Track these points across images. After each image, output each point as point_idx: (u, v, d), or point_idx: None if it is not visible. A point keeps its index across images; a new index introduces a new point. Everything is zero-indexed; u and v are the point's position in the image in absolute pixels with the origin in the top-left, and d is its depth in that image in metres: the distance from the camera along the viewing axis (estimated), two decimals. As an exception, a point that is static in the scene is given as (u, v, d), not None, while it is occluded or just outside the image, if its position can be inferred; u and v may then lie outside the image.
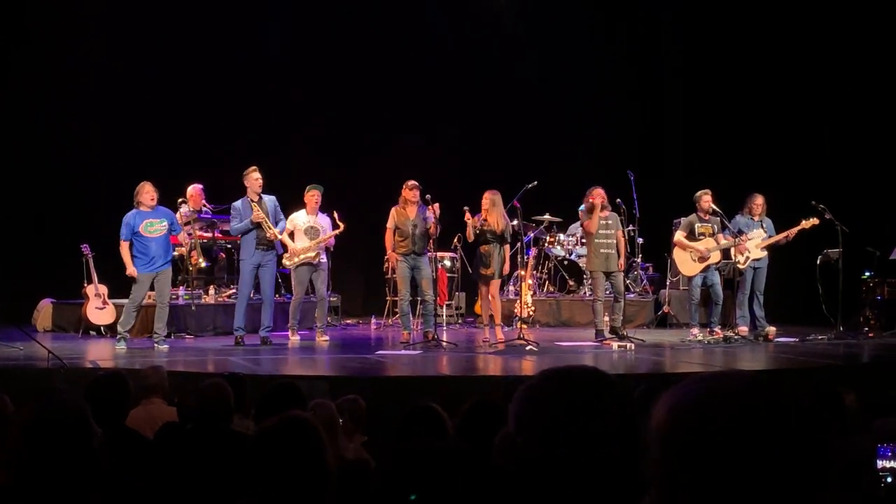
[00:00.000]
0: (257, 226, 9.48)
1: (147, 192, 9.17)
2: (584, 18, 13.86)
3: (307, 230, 9.97)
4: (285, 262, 10.15)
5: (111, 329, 10.32)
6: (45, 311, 11.14)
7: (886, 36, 11.83)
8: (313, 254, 9.92)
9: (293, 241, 10.01)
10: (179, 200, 10.63)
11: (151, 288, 9.41)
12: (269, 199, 9.72)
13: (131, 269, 9.13)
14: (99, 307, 10.38)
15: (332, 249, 10.36)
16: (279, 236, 9.58)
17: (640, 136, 13.88)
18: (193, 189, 11.27)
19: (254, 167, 9.65)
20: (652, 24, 13.68)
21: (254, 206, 9.50)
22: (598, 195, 9.81)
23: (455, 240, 11.82)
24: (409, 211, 9.53)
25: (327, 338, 10.02)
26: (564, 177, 12.50)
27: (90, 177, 12.45)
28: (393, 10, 13.75)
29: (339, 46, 13.72)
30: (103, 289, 10.37)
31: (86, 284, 10.43)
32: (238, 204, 9.64)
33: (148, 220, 9.14)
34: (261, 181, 9.58)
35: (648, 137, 13.94)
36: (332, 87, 13.75)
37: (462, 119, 13.61)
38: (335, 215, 10.06)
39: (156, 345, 9.14)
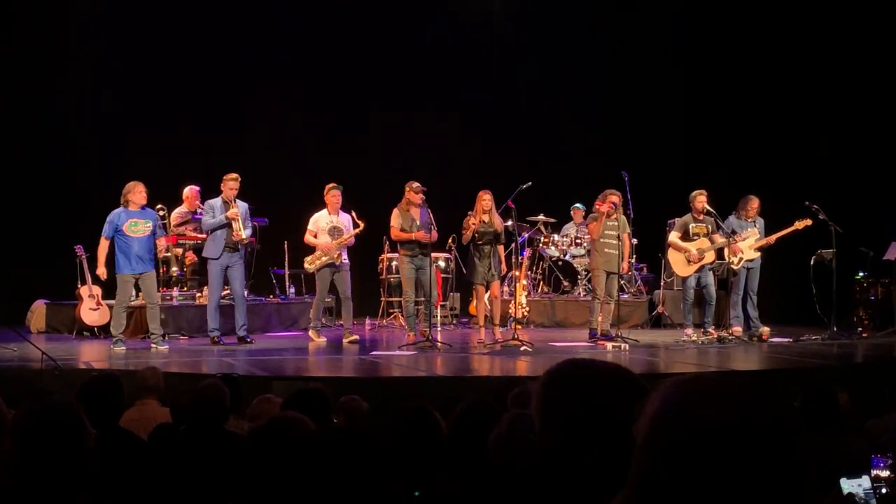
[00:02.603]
0: (228, 224, 9.52)
1: (139, 192, 9.14)
2: (582, 18, 13.86)
3: (330, 230, 9.94)
4: (307, 266, 10.08)
5: (105, 330, 10.30)
6: (38, 312, 11.11)
7: (880, 36, 11.86)
8: (336, 254, 9.90)
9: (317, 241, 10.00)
10: (158, 207, 10.50)
11: (138, 289, 9.43)
12: (242, 205, 9.75)
13: (101, 270, 9.17)
14: (93, 308, 10.36)
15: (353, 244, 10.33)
16: (243, 237, 9.59)
17: (635, 137, 13.88)
18: (190, 190, 11.28)
19: (235, 175, 9.65)
20: (649, 26, 13.67)
21: (231, 204, 9.56)
22: (608, 204, 9.80)
23: (450, 240, 11.82)
24: (413, 212, 9.51)
25: (356, 337, 10.01)
26: (558, 177, 12.53)
27: (84, 178, 12.43)
28: (391, 7, 13.72)
29: (335, 47, 13.71)
30: (97, 290, 10.35)
31: (80, 285, 10.40)
32: (214, 202, 9.71)
33: (133, 220, 9.12)
34: (236, 190, 9.61)
35: (643, 138, 13.95)
36: (328, 87, 13.74)
37: (457, 118, 13.61)
38: (353, 214, 10.04)
39: (154, 346, 9.14)
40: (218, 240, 9.61)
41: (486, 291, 9.90)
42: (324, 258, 9.88)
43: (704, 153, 12.98)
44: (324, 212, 10.03)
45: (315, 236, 9.96)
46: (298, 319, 11.84)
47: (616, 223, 9.89)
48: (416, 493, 2.92)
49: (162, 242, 9.90)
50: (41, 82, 12.20)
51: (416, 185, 9.52)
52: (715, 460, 1.16)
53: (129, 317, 10.45)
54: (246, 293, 10.23)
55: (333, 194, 9.98)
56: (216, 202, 9.68)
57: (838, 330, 10.31)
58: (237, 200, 9.70)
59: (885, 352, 9.47)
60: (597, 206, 9.93)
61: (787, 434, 1.19)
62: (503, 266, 9.86)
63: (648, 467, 1.21)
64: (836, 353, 9.30)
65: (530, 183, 9.77)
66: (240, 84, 13.29)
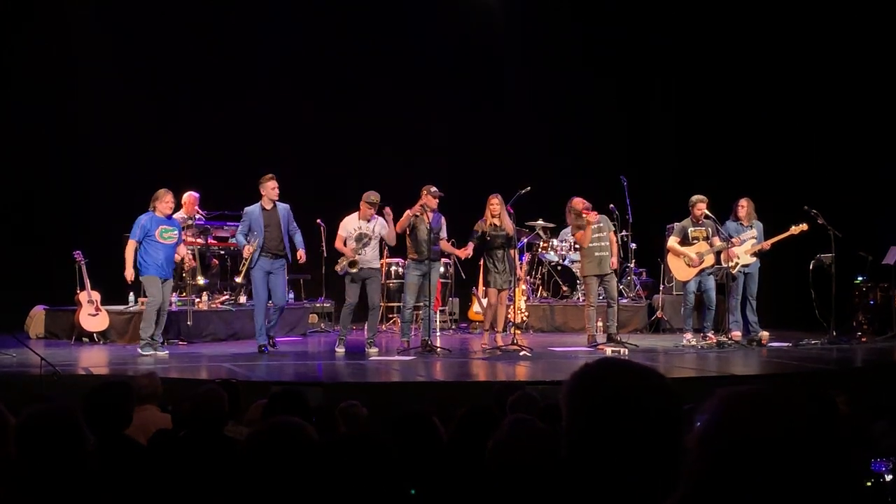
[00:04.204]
0: (264, 228, 9.41)
1: (166, 202, 9.22)
2: (576, 26, 13.88)
3: (357, 237, 9.52)
4: (336, 267, 9.79)
5: (104, 336, 10.33)
6: (37, 317, 11.10)
7: (874, 40, 11.88)
8: (346, 261, 9.48)
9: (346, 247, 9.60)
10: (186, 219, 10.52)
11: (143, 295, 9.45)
12: (283, 208, 9.59)
13: (130, 272, 9.08)
14: (92, 314, 10.35)
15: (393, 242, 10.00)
16: (239, 280, 9.62)
17: (632, 142, 13.92)
18: (189, 196, 11.28)
19: (271, 175, 9.50)
20: (641, 33, 13.70)
21: (250, 245, 9.42)
22: (594, 213, 9.84)
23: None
24: (426, 217, 9.43)
25: (376, 350, 9.55)
26: (557, 182, 12.52)
27: (83, 183, 12.44)
28: (387, 20, 13.74)
29: (332, 55, 13.70)
30: (96, 295, 10.34)
31: (78, 291, 10.40)
32: (250, 210, 9.53)
33: (164, 227, 9.20)
34: (277, 190, 9.48)
35: (640, 143, 13.98)
36: (324, 94, 13.73)
37: (455, 126, 13.62)
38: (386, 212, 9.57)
39: (155, 352, 9.10)
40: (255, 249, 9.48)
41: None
42: (344, 262, 9.55)
43: (701, 158, 12.97)
44: (353, 216, 9.59)
45: (345, 242, 9.57)
46: (297, 325, 11.83)
47: (600, 225, 9.91)
48: (413, 492, 2.93)
49: (182, 249, 9.78)
50: (37, 88, 12.18)
51: (433, 189, 9.44)
52: (766, 473, 1.18)
53: (128, 322, 10.47)
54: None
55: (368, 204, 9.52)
56: (253, 211, 9.48)
57: (838, 334, 10.30)
58: (277, 204, 9.54)
59: (884, 356, 9.48)
60: (584, 214, 9.92)
61: (841, 447, 1.23)
62: (519, 272, 9.84)
63: (701, 477, 1.24)
64: (836, 358, 9.30)
65: (529, 188, 9.78)
66: (239, 89, 13.26)
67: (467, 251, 9.68)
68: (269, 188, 9.47)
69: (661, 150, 13.91)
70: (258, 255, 9.44)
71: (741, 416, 1.25)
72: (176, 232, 9.37)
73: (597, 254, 9.87)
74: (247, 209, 9.59)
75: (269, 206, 9.50)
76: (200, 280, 11.09)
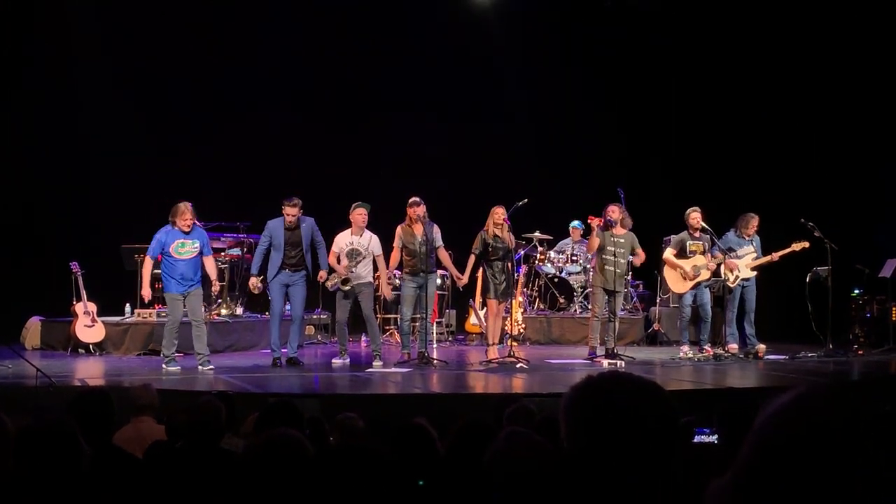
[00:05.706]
0: (281, 248, 9.32)
1: (185, 220, 8.87)
2: (575, 36, 13.92)
3: (349, 253, 9.45)
4: (327, 284, 9.70)
5: (100, 347, 10.30)
6: (33, 329, 11.08)
7: (873, 47, 11.93)
8: (339, 279, 9.43)
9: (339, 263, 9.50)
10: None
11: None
12: (307, 225, 9.40)
13: (146, 291, 8.93)
14: (88, 325, 10.33)
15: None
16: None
17: (630, 154, 13.93)
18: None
19: (296, 201, 9.29)
20: (642, 40, 13.74)
21: (254, 279, 9.44)
22: (599, 219, 9.84)
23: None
24: (416, 229, 9.37)
25: (380, 363, 9.38)
26: (554, 194, 12.54)
27: (79, 194, 12.42)
28: (387, 21, 13.74)
29: (332, 55, 13.69)
30: (92, 306, 10.32)
31: (75, 302, 10.38)
32: (273, 225, 9.39)
33: (180, 241, 8.90)
34: (296, 216, 9.27)
35: (638, 155, 13.99)
36: (324, 95, 13.70)
37: (452, 137, 13.62)
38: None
39: (199, 367, 8.87)
40: (274, 262, 9.33)
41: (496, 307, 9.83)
42: (336, 279, 9.47)
43: (700, 170, 13.00)
44: (346, 231, 9.52)
45: (338, 258, 9.49)
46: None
47: (621, 240, 9.83)
48: (420, 483, 2.95)
49: (210, 260, 9.30)
50: (34, 98, 12.17)
51: (412, 199, 9.44)
52: (812, 461, 1.27)
53: (125, 332, 10.44)
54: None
55: (359, 212, 9.40)
56: (276, 227, 9.34)
57: (834, 347, 10.31)
58: (303, 219, 9.37)
59: (881, 369, 9.48)
60: (589, 220, 9.96)
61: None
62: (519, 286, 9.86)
63: (747, 468, 1.30)
64: (832, 371, 9.30)
65: (526, 200, 9.79)
66: (239, 91, 13.20)
67: (464, 280, 9.74)
68: (289, 212, 9.29)
69: (659, 161, 13.92)
70: (277, 270, 9.35)
71: (803, 416, 1.30)
72: (197, 244, 8.98)
73: (607, 267, 9.79)
74: (269, 223, 9.43)
75: (291, 225, 9.34)
76: (223, 310, 11.08)
